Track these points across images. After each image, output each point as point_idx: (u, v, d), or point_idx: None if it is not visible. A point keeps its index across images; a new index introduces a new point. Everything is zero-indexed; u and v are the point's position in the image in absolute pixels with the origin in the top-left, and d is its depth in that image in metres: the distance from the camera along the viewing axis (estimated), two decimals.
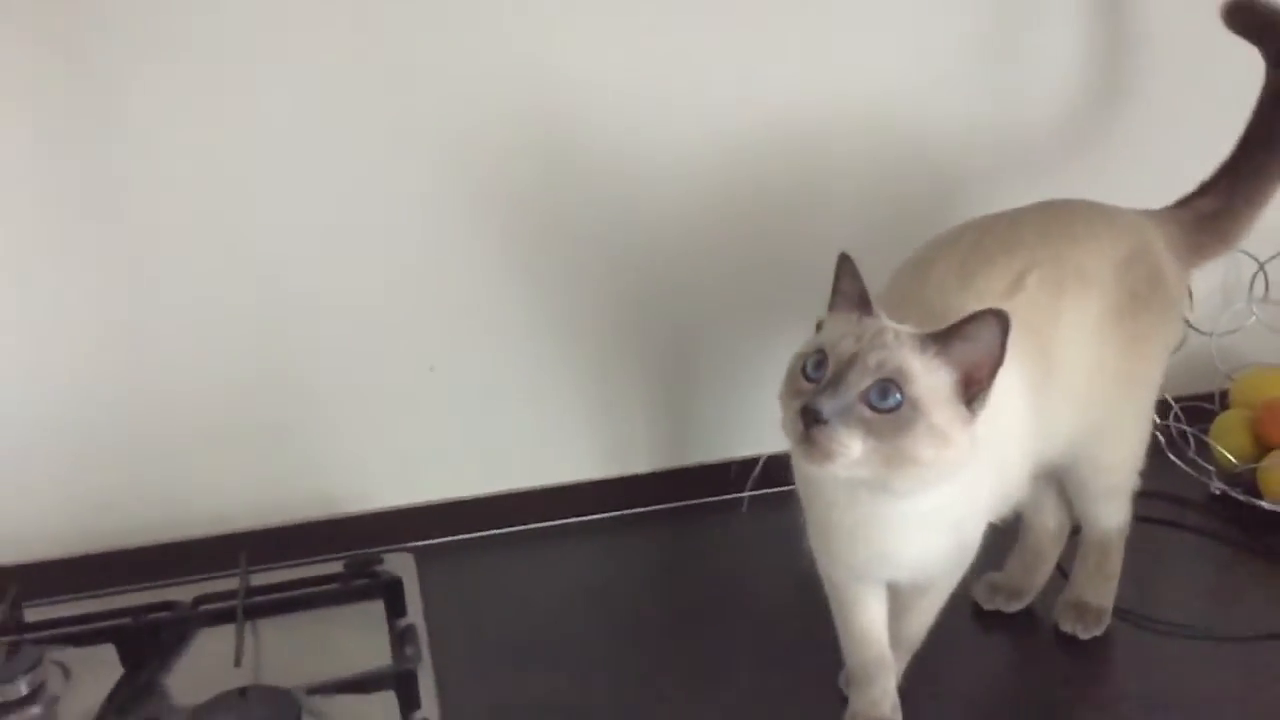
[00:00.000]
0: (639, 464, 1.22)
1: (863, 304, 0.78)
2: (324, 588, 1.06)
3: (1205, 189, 1.02)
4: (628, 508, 1.21)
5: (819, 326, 0.81)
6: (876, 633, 0.90)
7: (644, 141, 1.11)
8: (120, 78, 0.98)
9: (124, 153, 1.00)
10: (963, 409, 0.75)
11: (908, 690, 0.92)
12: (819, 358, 0.76)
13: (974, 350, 0.74)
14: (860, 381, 0.74)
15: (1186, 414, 1.25)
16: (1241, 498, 1.17)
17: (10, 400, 1.05)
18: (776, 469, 1.22)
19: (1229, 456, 1.17)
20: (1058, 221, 0.92)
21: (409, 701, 0.92)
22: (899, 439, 0.73)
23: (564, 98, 1.08)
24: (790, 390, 0.78)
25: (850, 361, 0.74)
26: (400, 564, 1.10)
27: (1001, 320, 0.73)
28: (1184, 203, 1.02)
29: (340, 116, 1.03)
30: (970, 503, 0.83)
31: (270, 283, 1.07)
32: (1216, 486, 1.19)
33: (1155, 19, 1.19)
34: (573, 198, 1.11)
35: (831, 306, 0.81)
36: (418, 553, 1.12)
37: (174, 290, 1.05)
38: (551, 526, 1.19)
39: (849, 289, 0.79)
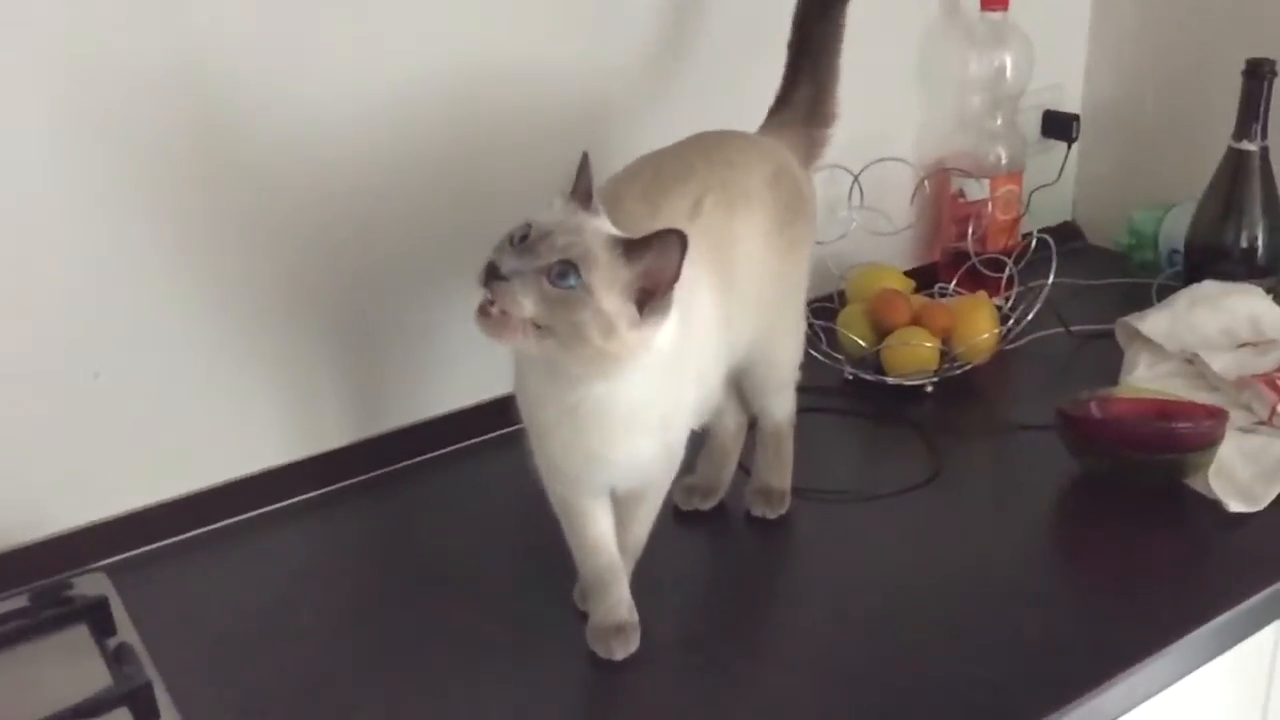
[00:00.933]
0: (333, 439, 1.21)
1: (585, 198, 0.86)
2: (13, 624, 0.97)
3: (789, 87, 1.16)
4: (327, 485, 1.20)
5: None
6: (606, 541, 0.96)
7: (299, 102, 1.09)
8: None
9: None
10: (633, 310, 0.82)
11: (635, 592, 0.99)
12: (525, 230, 0.83)
13: (655, 262, 0.82)
14: (547, 256, 0.80)
15: (813, 313, 1.41)
16: (870, 378, 1.35)
17: None
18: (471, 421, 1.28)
19: (858, 341, 1.34)
20: (716, 150, 1.02)
21: (147, 716, 0.87)
22: (569, 314, 0.80)
23: (211, 59, 1.04)
24: (493, 251, 0.83)
25: (544, 236, 0.81)
26: (95, 584, 1.02)
27: (681, 240, 0.81)
28: (782, 104, 1.15)
29: None
30: (674, 406, 0.91)
31: None
32: (849, 372, 1.36)
33: None
34: (229, 171, 1.08)
35: (567, 198, 0.87)
36: (110, 570, 1.05)
37: None
38: (253, 518, 1.16)
39: (581, 185, 0.86)
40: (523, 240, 0.82)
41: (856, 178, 1.45)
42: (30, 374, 1.03)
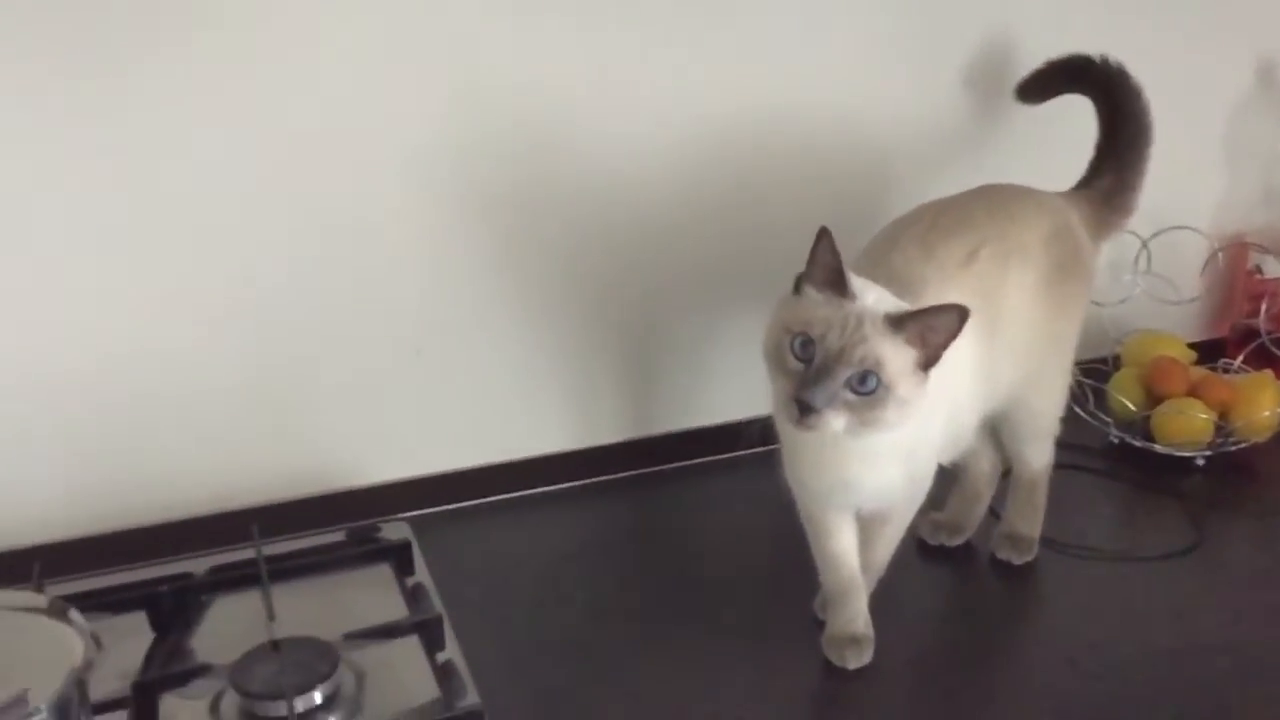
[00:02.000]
0: (610, 435, 1.33)
1: (838, 282, 0.89)
2: (335, 554, 1.14)
3: (1096, 170, 1.19)
4: (604, 474, 1.32)
5: (797, 284, 0.93)
6: (849, 557, 1.02)
7: (611, 138, 1.22)
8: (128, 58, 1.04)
9: (125, 133, 1.06)
10: (921, 374, 0.89)
11: (874, 612, 1.05)
12: (804, 338, 0.88)
13: (935, 334, 0.88)
14: (845, 373, 0.87)
15: (1084, 373, 1.41)
16: (1137, 443, 1.34)
17: (13, 383, 1.09)
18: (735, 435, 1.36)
19: (1128, 405, 1.34)
20: (998, 203, 1.07)
21: (434, 644, 1.01)
22: (873, 411, 0.87)
23: (534, 102, 1.18)
24: (779, 367, 0.90)
25: (837, 355, 0.87)
26: (399, 531, 1.18)
27: (962, 313, 0.86)
28: (1084, 184, 1.18)
29: (326, 114, 1.12)
30: (923, 439, 0.97)
31: (264, 273, 1.14)
32: (1115, 435, 1.36)
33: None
34: (544, 191, 1.21)
35: (808, 276, 0.92)
36: (412, 522, 1.21)
37: (172, 275, 1.11)
38: (536, 494, 1.29)
39: (826, 261, 0.90)
40: (804, 346, 0.88)
41: (1145, 243, 1.44)
42: (364, 344, 1.20)
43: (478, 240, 1.21)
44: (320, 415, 1.21)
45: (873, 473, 0.96)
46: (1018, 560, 1.15)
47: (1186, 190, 1.50)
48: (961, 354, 0.94)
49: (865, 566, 1.04)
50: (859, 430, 0.89)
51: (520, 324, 1.26)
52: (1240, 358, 1.47)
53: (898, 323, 0.88)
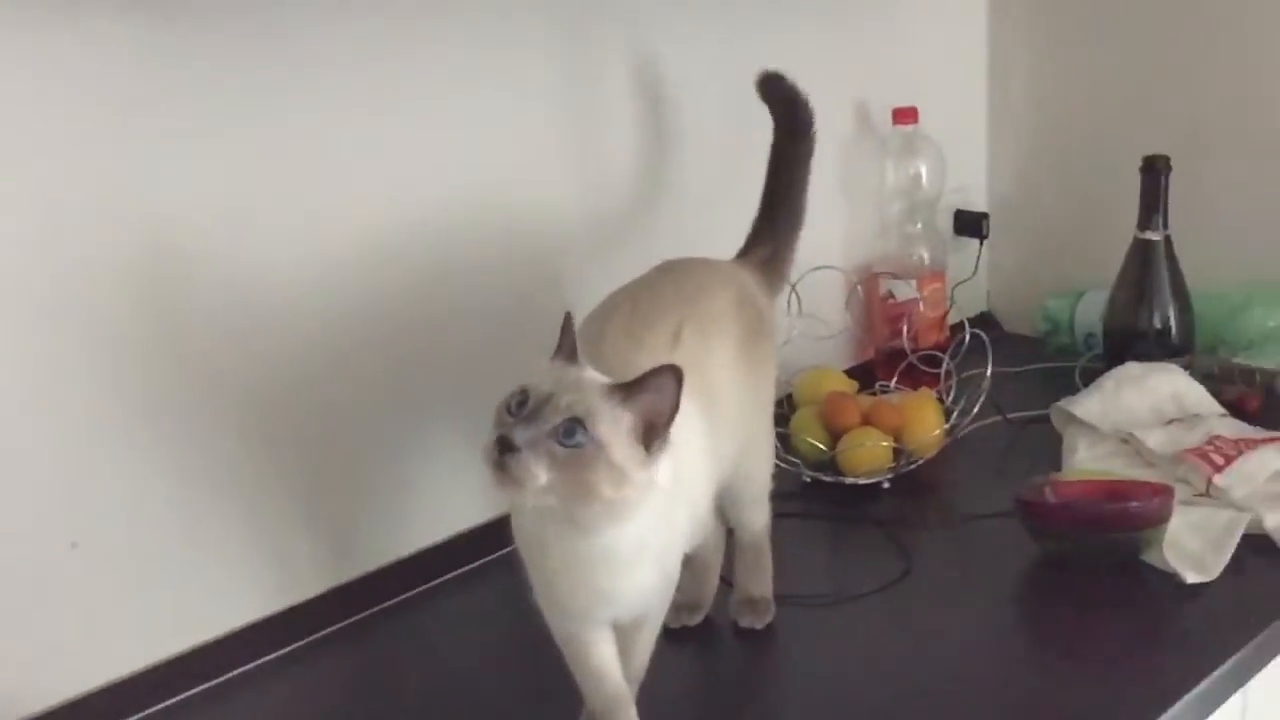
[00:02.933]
0: (309, 588, 1.20)
1: (570, 354, 0.88)
2: None
3: (754, 240, 1.23)
4: (310, 634, 1.19)
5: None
6: (611, 669, 0.97)
7: (260, 262, 1.11)
8: None
9: None
10: (641, 451, 0.85)
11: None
12: (522, 397, 0.84)
13: (654, 400, 0.85)
14: (552, 418, 0.82)
15: None
16: (829, 479, 1.40)
17: None
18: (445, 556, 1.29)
19: (818, 445, 1.39)
20: (685, 278, 1.07)
21: None
22: (582, 473, 0.82)
23: (166, 229, 1.06)
24: (494, 423, 0.85)
25: (545, 400, 0.83)
26: None
27: (676, 374, 0.84)
28: (746, 252, 1.22)
29: None
30: (670, 536, 0.94)
31: None
32: (807, 475, 1.41)
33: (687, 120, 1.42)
34: (195, 332, 1.09)
35: (552, 358, 0.89)
36: None
37: None
38: (235, 676, 1.14)
39: (565, 343, 0.89)
40: (520, 405, 0.84)
41: (794, 287, 1.51)
42: (5, 547, 1.02)
43: (118, 405, 1.06)
44: None
45: (630, 581, 0.91)
46: (759, 624, 1.15)
47: (819, 231, 1.59)
48: (688, 437, 0.92)
49: (628, 675, 1.00)
50: (569, 500, 0.83)
51: (184, 488, 1.11)
52: (895, 378, 1.58)
53: (615, 389, 0.85)
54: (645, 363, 0.88)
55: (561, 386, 0.84)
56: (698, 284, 1.07)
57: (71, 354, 1.02)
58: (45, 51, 0.97)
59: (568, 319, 0.90)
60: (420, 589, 1.26)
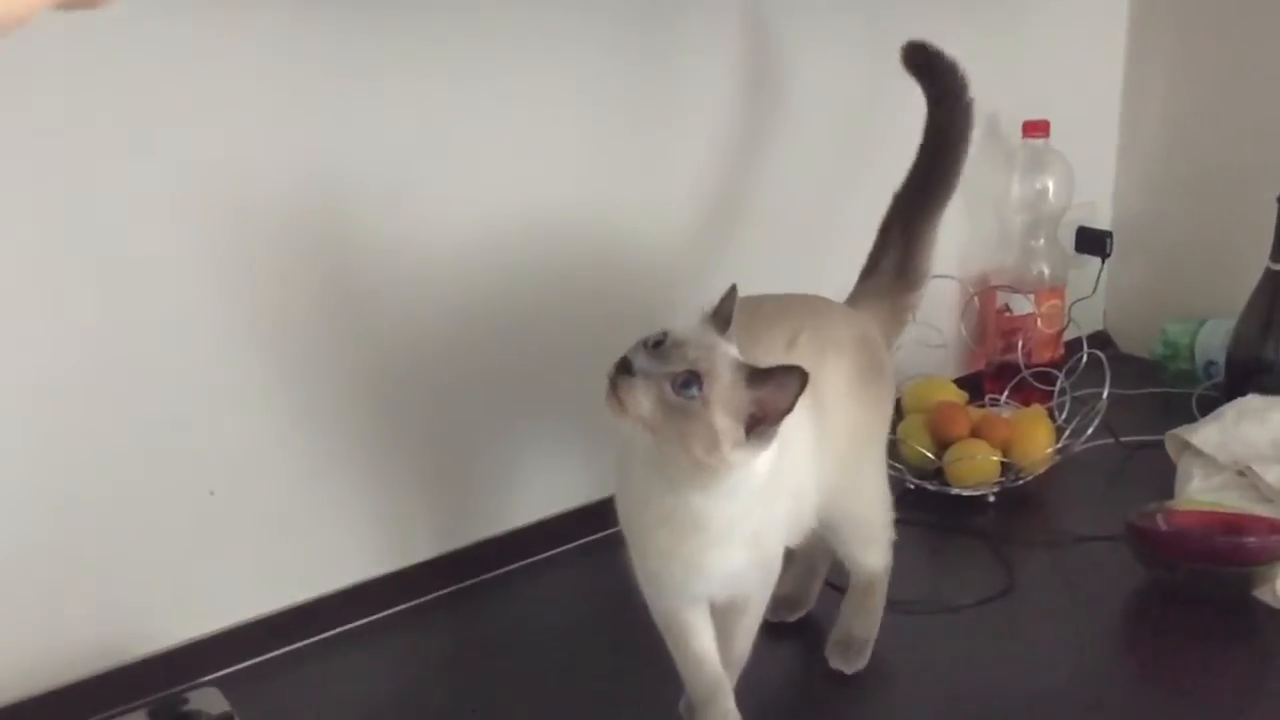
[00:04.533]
0: (422, 552, 1.25)
1: (722, 323, 0.92)
2: None
3: (879, 251, 1.21)
4: (420, 597, 1.24)
5: None
6: (710, 654, 1.00)
7: (407, 243, 1.16)
8: None
9: None
10: (741, 432, 0.87)
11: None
12: (660, 337, 0.89)
13: (774, 393, 0.87)
14: (676, 364, 0.86)
15: None
16: (934, 488, 1.40)
17: None
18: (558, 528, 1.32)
19: (925, 453, 1.40)
20: (809, 303, 1.10)
21: None
22: (681, 422, 0.85)
23: (336, 204, 1.11)
24: (630, 348, 0.89)
25: (677, 346, 0.87)
26: (209, 699, 1.05)
27: (802, 378, 0.86)
28: (868, 274, 1.21)
29: (82, 245, 1.00)
30: (767, 521, 0.96)
31: (30, 429, 1.00)
32: (911, 482, 1.42)
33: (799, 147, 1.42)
34: (342, 303, 1.14)
35: (705, 319, 0.93)
36: (222, 683, 1.08)
37: None
38: (352, 629, 1.19)
39: (721, 309, 0.93)
40: (656, 344, 0.88)
41: None
42: (148, 490, 1.08)
43: (260, 365, 1.11)
44: (103, 577, 1.07)
45: (720, 555, 0.94)
46: (848, 669, 1.12)
47: (939, 241, 1.60)
48: (799, 434, 0.95)
49: (726, 662, 1.02)
50: (662, 444, 0.86)
51: (314, 448, 1.16)
52: (1005, 393, 1.57)
53: (744, 368, 0.88)
54: (761, 357, 0.90)
55: (697, 343, 0.88)
56: (820, 309, 1.09)
57: (235, 314, 1.08)
58: (254, 21, 1.03)
59: (732, 290, 0.93)
60: (525, 562, 1.30)
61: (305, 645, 1.17)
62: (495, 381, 1.26)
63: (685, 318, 0.92)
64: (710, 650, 1.00)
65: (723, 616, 1.01)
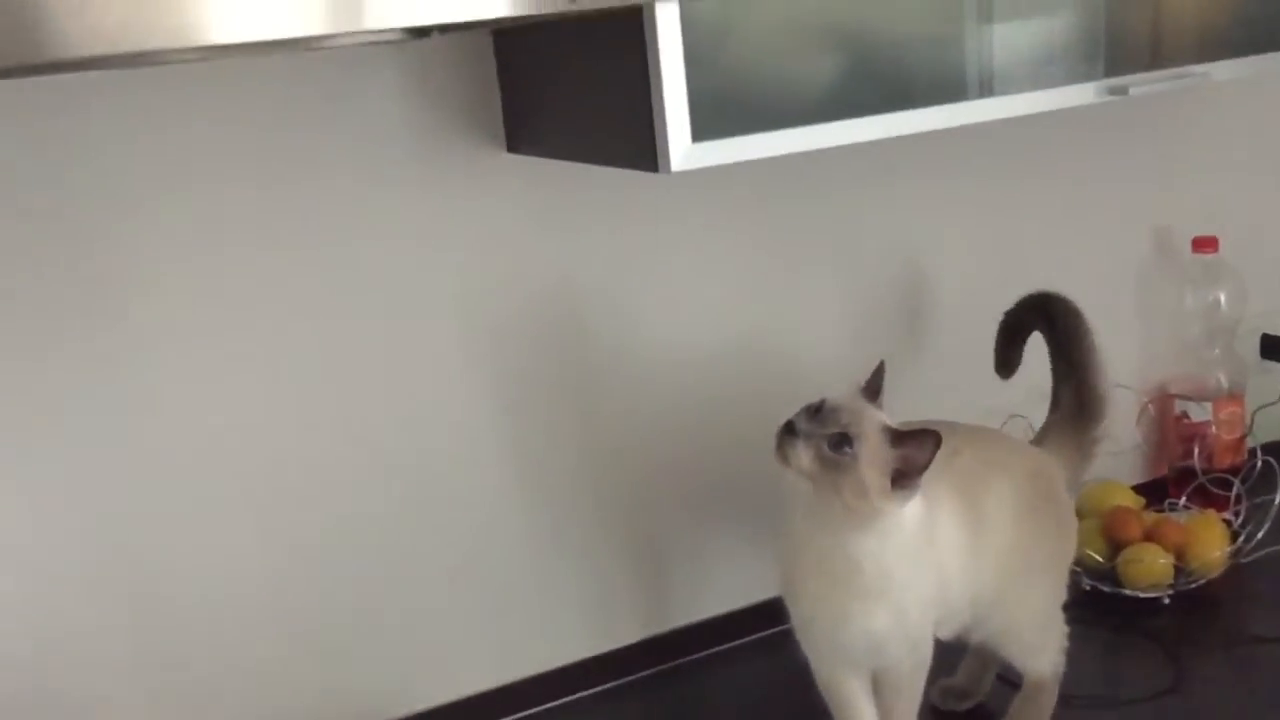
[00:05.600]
0: (626, 636, 1.41)
1: (871, 393, 1.11)
2: None
3: (1056, 388, 1.34)
4: (621, 677, 1.39)
5: None
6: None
7: (629, 349, 1.36)
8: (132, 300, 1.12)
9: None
10: (887, 483, 1.04)
11: None
12: (819, 405, 1.07)
13: (913, 451, 1.04)
14: (831, 427, 1.04)
15: None
16: (1108, 590, 1.47)
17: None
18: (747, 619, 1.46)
19: (1095, 556, 1.47)
20: (983, 432, 1.24)
21: None
22: (836, 474, 1.03)
23: (571, 308, 1.32)
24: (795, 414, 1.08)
25: (833, 412, 1.05)
26: None
27: (936, 440, 1.03)
28: (1051, 411, 1.34)
29: (346, 336, 1.22)
30: (910, 586, 1.08)
31: (291, 509, 1.22)
32: (1087, 583, 1.48)
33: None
34: (566, 394, 1.34)
35: (859, 389, 1.11)
36: None
37: (199, 520, 1.19)
38: (557, 706, 1.36)
39: (871, 382, 1.12)
40: (816, 410, 1.06)
41: None
42: (403, 571, 1.28)
43: (504, 454, 1.32)
44: (363, 644, 1.28)
45: (864, 609, 1.07)
46: None
47: (1112, 350, 1.67)
48: (949, 528, 1.10)
49: None
50: (819, 489, 1.04)
51: (541, 530, 1.35)
52: (1184, 498, 1.62)
53: (888, 430, 1.05)
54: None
55: (850, 409, 1.06)
56: (995, 438, 1.24)
57: (477, 406, 1.29)
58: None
59: (881, 365, 1.12)
60: (718, 649, 1.44)
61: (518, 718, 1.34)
62: (693, 480, 1.41)
63: (843, 388, 1.10)
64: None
65: (880, 695, 1.13)
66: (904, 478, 1.04)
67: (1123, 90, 1.17)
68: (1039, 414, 1.51)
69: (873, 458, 1.03)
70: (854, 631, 1.08)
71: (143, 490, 1.16)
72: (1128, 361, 1.70)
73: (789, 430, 1.05)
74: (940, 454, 1.12)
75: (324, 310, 1.20)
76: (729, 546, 1.44)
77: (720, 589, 1.45)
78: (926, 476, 1.05)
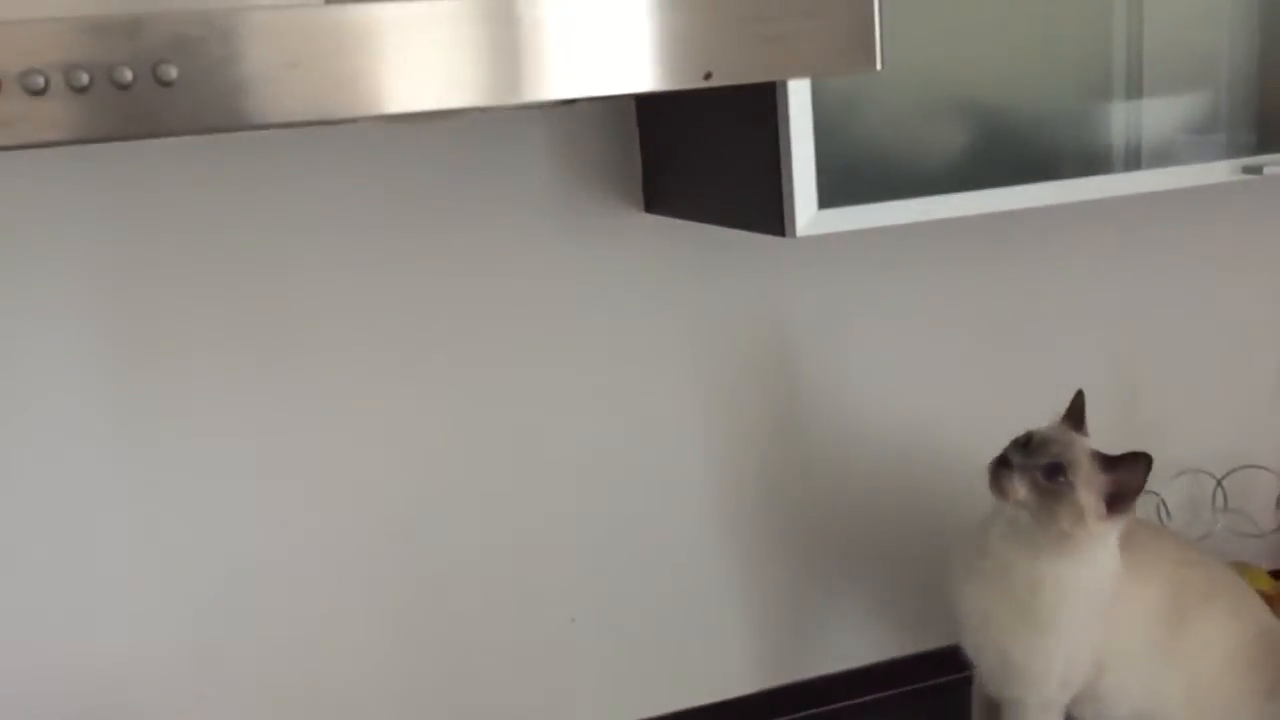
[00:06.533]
0: (748, 686, 1.44)
1: (1075, 421, 1.15)
2: None
3: None
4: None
5: None
6: None
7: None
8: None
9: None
10: (1103, 507, 1.07)
11: None
12: (1027, 438, 1.11)
13: (1125, 475, 1.07)
14: (1043, 458, 1.08)
15: None
16: None
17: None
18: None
19: None
20: (1226, 570, 1.26)
21: None
22: (1052, 502, 1.07)
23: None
24: (1005, 449, 1.11)
25: (1043, 444, 1.09)
26: None
27: (1148, 462, 1.07)
28: None
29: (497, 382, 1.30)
30: (1076, 625, 1.10)
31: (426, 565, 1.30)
32: None
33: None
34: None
35: (1061, 420, 1.16)
36: None
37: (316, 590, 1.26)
38: None
39: (1072, 410, 1.16)
40: (1025, 443, 1.09)
41: (1220, 482, 1.57)
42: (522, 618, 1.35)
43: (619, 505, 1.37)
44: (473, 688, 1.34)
45: (1040, 626, 1.09)
46: None
47: (1253, 432, 1.64)
48: (1136, 607, 1.14)
49: None
50: (1036, 518, 1.07)
51: (649, 582, 1.39)
52: None
53: (1099, 456, 1.09)
54: (1151, 554, 1.15)
55: (1058, 439, 1.10)
56: (1238, 582, 1.24)
57: (661, 457, 1.37)
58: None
59: (1079, 395, 1.16)
60: (844, 704, 1.46)
61: None
62: (834, 536, 1.45)
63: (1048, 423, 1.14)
64: None
65: None
66: (1119, 500, 1.07)
67: (1257, 170, 1.17)
68: (1169, 490, 1.50)
69: (1088, 483, 1.07)
70: (1018, 653, 1.11)
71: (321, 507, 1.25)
72: (1269, 445, 1.65)
73: (1003, 464, 1.08)
74: (1170, 555, 1.18)
75: (489, 357, 1.29)
76: (855, 606, 1.46)
77: (838, 647, 1.47)
78: (1141, 552, 1.10)
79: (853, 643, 1.47)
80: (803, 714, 1.44)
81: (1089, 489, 1.07)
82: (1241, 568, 1.55)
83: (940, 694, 1.38)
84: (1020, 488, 1.07)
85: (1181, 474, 1.57)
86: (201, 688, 1.24)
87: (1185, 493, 1.59)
